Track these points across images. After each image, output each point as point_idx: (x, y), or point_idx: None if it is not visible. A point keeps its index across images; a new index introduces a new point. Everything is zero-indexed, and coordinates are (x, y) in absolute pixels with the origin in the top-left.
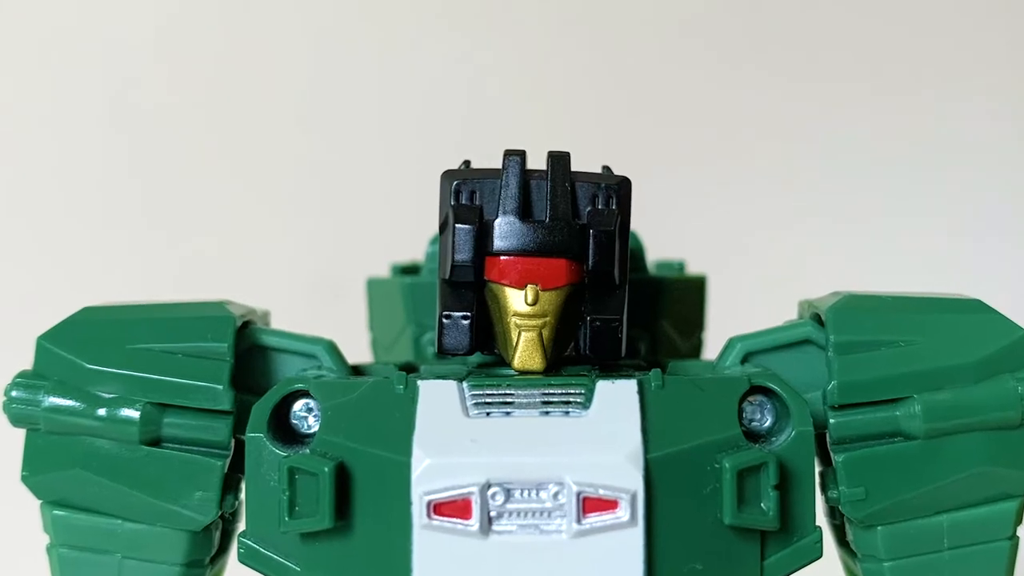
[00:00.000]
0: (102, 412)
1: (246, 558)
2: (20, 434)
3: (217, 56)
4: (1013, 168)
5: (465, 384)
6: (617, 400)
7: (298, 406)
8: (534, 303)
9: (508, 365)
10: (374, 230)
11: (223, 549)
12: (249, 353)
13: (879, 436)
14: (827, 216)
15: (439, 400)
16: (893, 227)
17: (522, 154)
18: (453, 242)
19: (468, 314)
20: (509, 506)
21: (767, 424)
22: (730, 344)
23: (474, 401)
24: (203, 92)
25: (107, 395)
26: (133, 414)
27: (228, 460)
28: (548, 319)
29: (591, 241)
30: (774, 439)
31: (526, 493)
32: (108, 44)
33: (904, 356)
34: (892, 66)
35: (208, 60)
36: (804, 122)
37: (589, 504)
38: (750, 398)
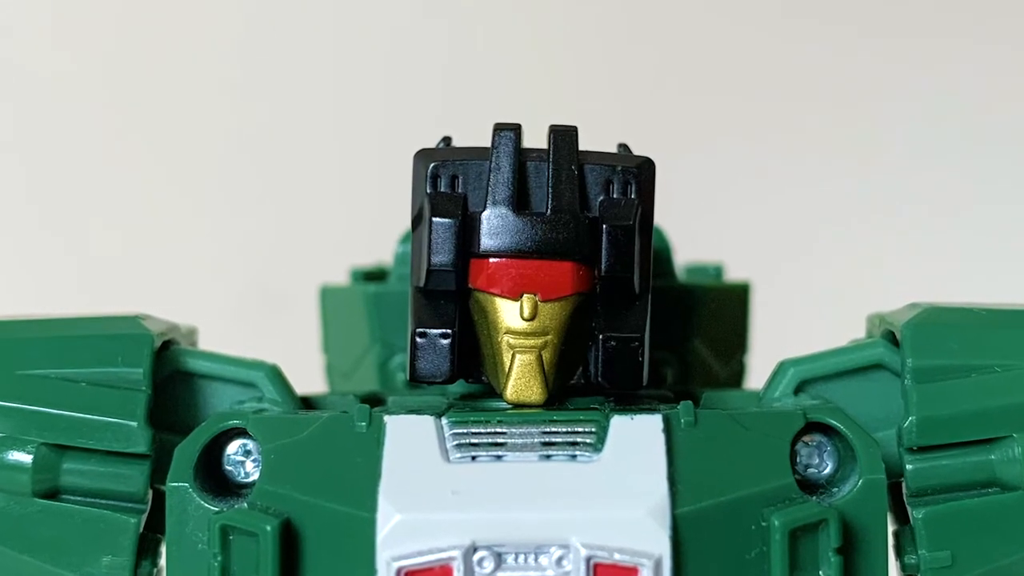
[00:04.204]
0: None
1: None
2: None
3: (126, 6)
4: None
5: (445, 420)
6: (637, 441)
7: (233, 448)
8: (532, 318)
9: (499, 396)
10: (328, 225)
11: None
12: (171, 381)
13: (969, 486)
14: (907, 207)
15: (412, 440)
16: (992, 221)
17: (516, 129)
18: (430, 240)
19: (448, 331)
20: (500, 575)
21: (827, 471)
22: (781, 369)
23: (456, 442)
24: (109, 51)
25: None
26: (24, 458)
27: (144, 517)
28: (549, 338)
29: (604, 239)
30: (836, 490)
31: (522, 558)
32: None
33: (1000, 385)
34: (999, 11)
35: (115, 11)
36: (881, 86)
37: (601, 572)
38: (806, 438)
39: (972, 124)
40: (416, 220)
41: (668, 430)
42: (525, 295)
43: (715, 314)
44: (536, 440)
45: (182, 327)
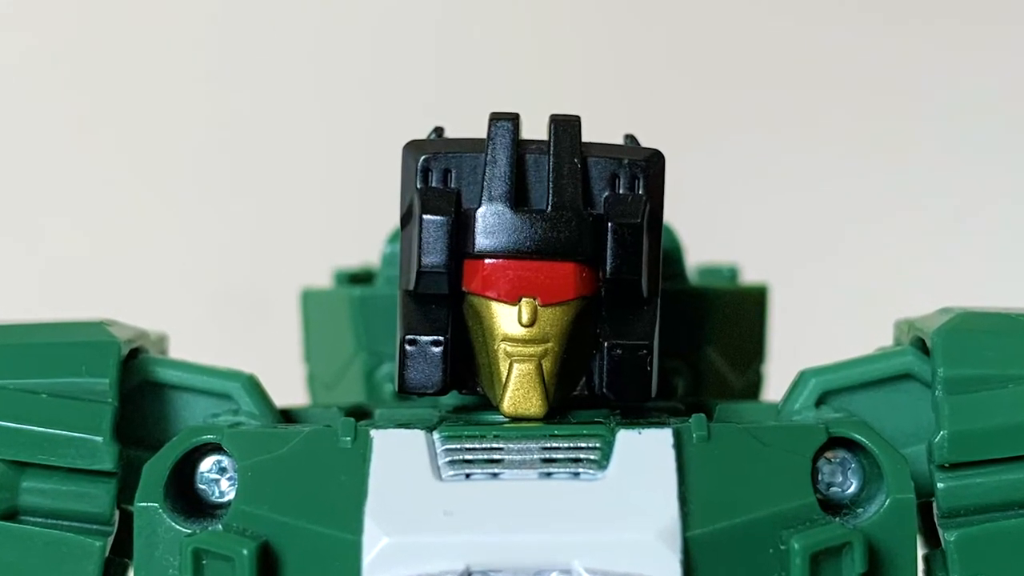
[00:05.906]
0: None
1: None
2: None
3: None
4: None
5: (436, 435)
6: (645, 457)
7: (206, 465)
8: (531, 324)
9: (495, 409)
10: (310, 223)
11: None
12: (139, 392)
13: (1005, 506)
14: (938, 204)
15: (401, 457)
16: None
17: (514, 118)
18: (420, 239)
19: (440, 339)
20: None
21: (851, 490)
22: (801, 380)
23: (449, 458)
24: (75, 38)
25: None
26: None
27: (111, 539)
28: (550, 345)
29: (609, 238)
30: (861, 510)
31: None
32: None
33: None
34: None
35: None
36: (907, 77)
37: None
38: (828, 454)
39: (1002, 118)
40: (405, 218)
41: (679, 445)
42: (524, 299)
43: (730, 320)
44: (536, 456)
45: (151, 334)
